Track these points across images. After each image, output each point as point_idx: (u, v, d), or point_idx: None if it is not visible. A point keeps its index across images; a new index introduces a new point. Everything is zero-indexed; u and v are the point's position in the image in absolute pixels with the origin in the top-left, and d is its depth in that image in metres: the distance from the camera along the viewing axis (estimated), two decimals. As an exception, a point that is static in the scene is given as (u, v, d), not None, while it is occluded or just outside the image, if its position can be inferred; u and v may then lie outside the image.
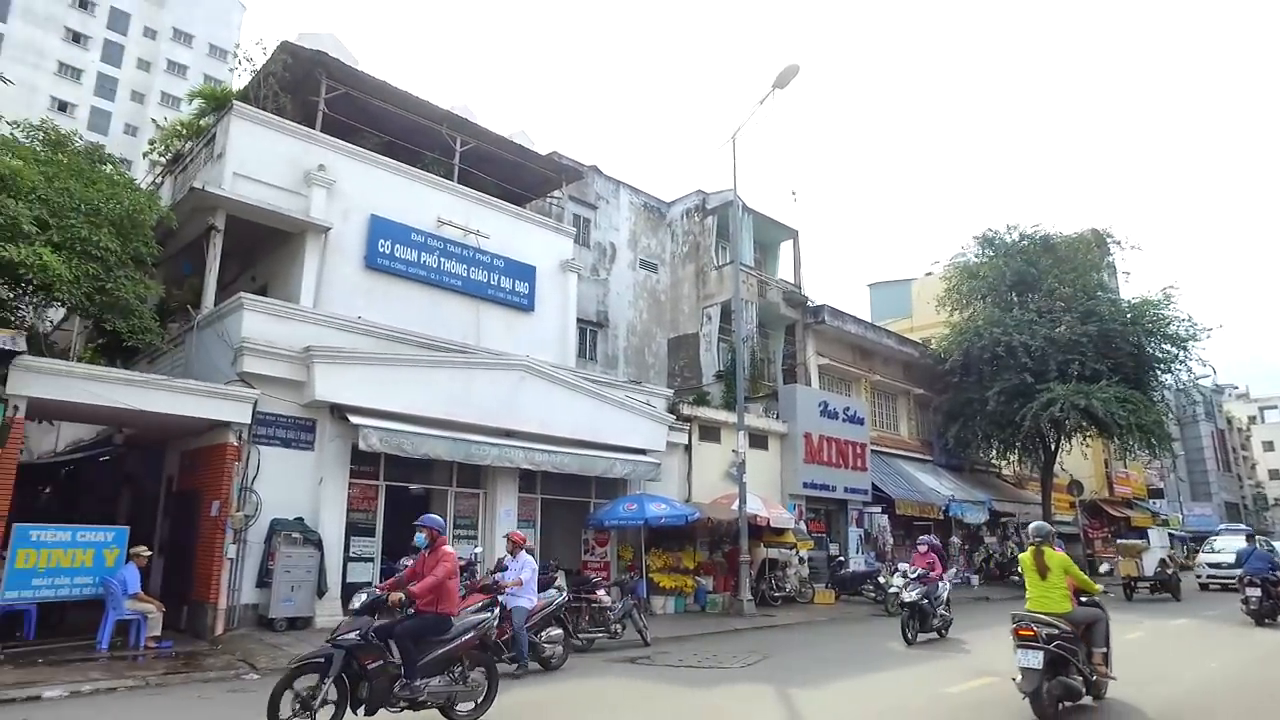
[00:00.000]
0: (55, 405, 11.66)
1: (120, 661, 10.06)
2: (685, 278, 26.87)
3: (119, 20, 58.26)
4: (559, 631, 10.57)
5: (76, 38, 56.10)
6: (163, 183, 19.11)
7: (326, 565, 12.67)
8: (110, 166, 14.55)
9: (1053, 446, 29.15)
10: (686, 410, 19.81)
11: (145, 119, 55.65)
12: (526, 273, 19.06)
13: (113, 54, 57.50)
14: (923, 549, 14.71)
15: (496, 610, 9.80)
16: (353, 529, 13.61)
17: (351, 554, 13.48)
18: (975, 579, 27.01)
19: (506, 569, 10.68)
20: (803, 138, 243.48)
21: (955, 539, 26.98)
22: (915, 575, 13.89)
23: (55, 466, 18.33)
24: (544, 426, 15.61)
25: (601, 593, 12.73)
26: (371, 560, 13.79)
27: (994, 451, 30.58)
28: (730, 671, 10.51)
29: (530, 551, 13.33)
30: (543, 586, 13.92)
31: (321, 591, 12.50)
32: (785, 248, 28.77)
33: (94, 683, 8.74)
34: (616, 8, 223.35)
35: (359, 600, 6.95)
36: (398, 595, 6.95)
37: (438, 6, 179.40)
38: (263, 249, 16.45)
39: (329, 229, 15.71)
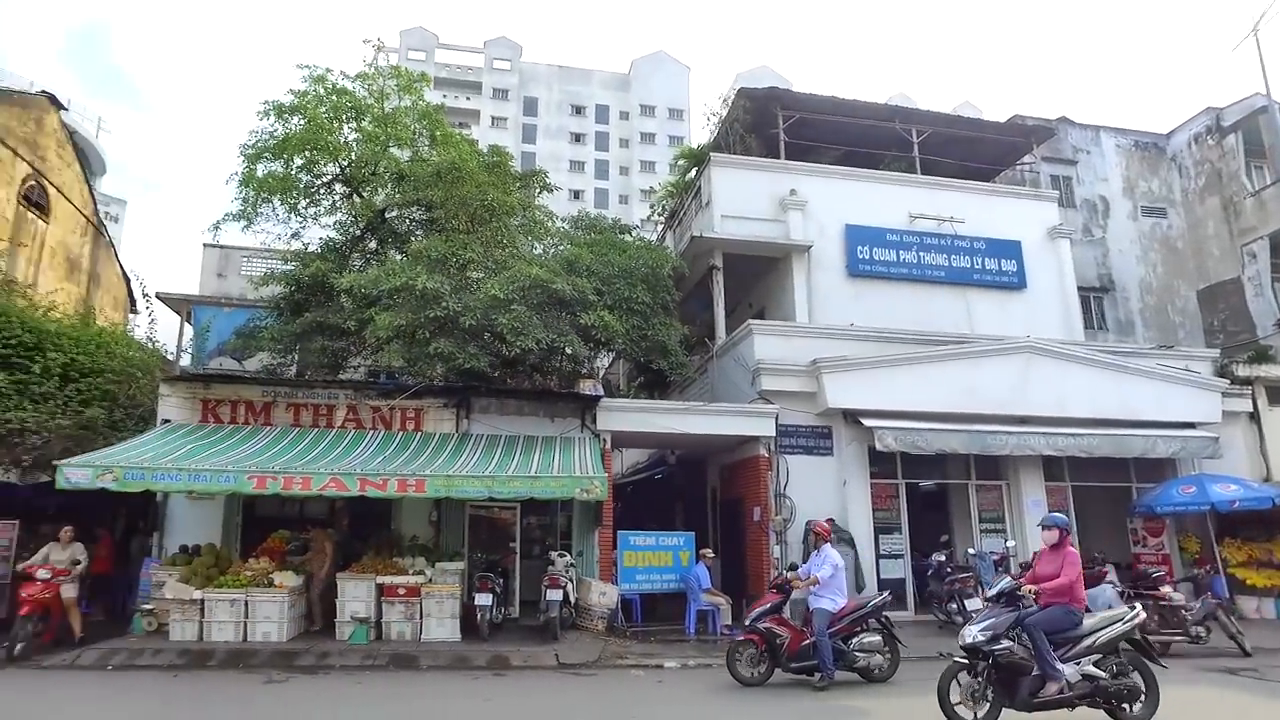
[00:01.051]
0: (626, 435, 14.44)
1: (706, 644, 11.95)
2: (1207, 215, 22.50)
3: (602, 113, 70.30)
4: (876, 638, 9.05)
5: (577, 138, 69.41)
6: (665, 238, 22.33)
7: (861, 562, 13.32)
8: (629, 235, 17.49)
9: None
10: (1243, 371, 16.47)
11: (631, 188, 65.71)
12: (1011, 249, 17.98)
13: (602, 141, 69.47)
14: (1051, 532, 7.28)
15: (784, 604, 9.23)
16: (878, 527, 14.10)
17: (881, 551, 13.98)
18: None
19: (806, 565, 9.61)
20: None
21: None
22: (995, 591, 7.20)
23: (623, 486, 22.33)
24: (1061, 409, 14.44)
25: (1166, 589, 11.31)
26: (900, 557, 14.12)
27: None
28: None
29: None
30: (1091, 582, 12.87)
31: (860, 587, 13.14)
32: (1355, 147, 22.44)
33: (694, 659, 10.77)
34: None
35: None
36: None
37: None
38: (755, 277, 18.19)
39: (809, 247, 16.81)
